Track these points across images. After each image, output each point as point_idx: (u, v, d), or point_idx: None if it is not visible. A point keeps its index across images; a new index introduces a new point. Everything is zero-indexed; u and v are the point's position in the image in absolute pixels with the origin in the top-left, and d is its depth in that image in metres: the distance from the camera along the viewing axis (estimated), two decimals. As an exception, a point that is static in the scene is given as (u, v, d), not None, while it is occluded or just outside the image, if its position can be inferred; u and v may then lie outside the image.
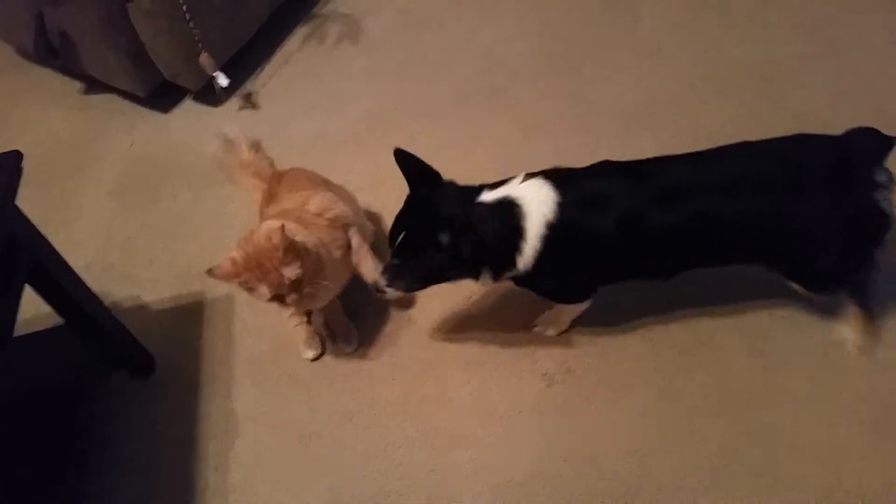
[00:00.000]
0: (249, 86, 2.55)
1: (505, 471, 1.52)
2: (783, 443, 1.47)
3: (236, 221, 2.10)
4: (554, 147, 2.10)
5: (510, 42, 2.49)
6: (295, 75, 2.58)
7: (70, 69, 2.64)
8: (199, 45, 2.28)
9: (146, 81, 2.41)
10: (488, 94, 2.33)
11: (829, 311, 1.61)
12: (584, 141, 2.11)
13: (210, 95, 2.49)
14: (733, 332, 1.64)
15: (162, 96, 2.51)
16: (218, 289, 1.95)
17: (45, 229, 1.47)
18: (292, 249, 1.42)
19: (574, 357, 1.66)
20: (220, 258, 1.45)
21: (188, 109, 2.54)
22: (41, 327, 1.77)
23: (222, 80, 2.37)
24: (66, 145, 2.51)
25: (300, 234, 1.49)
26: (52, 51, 2.41)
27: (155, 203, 2.25)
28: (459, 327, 1.77)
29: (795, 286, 1.51)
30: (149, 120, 2.53)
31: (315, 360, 1.77)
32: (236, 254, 1.44)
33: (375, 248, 1.74)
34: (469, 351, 1.73)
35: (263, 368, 1.79)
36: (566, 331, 1.70)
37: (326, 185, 1.79)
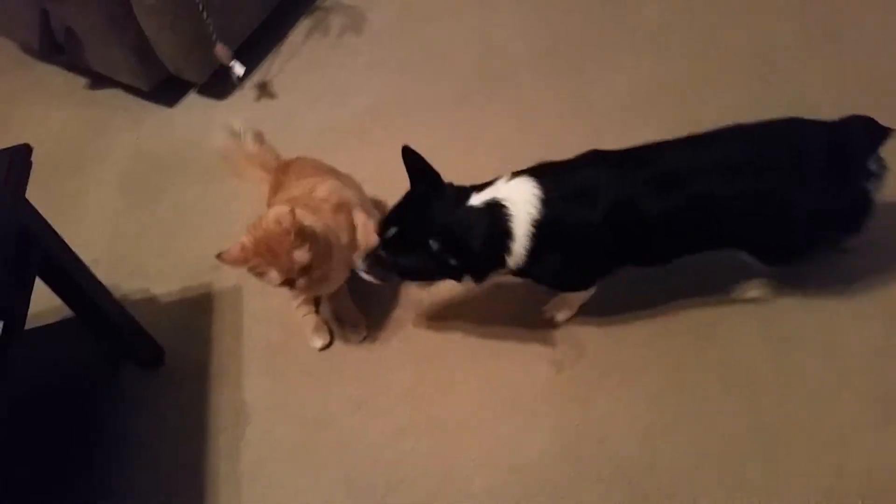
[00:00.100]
0: (256, 78, 2.55)
1: (515, 456, 1.53)
2: (793, 426, 1.47)
3: (243, 214, 2.09)
4: (554, 136, 2.09)
5: (511, 36, 2.48)
6: (300, 67, 2.57)
7: (74, 65, 2.64)
8: (214, 35, 2.27)
9: (150, 76, 2.41)
10: (490, 88, 2.32)
11: (837, 294, 1.61)
12: (584, 129, 2.10)
13: (214, 88, 2.49)
14: (744, 315, 1.64)
15: (166, 91, 2.51)
16: (226, 280, 1.96)
17: (53, 225, 1.47)
18: (302, 233, 1.42)
19: (583, 343, 1.67)
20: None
21: (193, 103, 2.54)
22: (51, 320, 1.78)
23: (238, 70, 2.36)
24: (70, 142, 2.51)
25: (308, 219, 1.49)
26: (56, 47, 2.41)
27: (162, 197, 2.25)
28: (468, 314, 1.78)
29: (750, 259, 1.51)
30: (153, 115, 2.53)
31: (324, 349, 1.77)
32: (245, 239, 1.44)
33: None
34: (478, 337, 1.73)
35: (273, 358, 1.80)
36: (575, 316, 1.70)
37: (333, 173, 1.80)
